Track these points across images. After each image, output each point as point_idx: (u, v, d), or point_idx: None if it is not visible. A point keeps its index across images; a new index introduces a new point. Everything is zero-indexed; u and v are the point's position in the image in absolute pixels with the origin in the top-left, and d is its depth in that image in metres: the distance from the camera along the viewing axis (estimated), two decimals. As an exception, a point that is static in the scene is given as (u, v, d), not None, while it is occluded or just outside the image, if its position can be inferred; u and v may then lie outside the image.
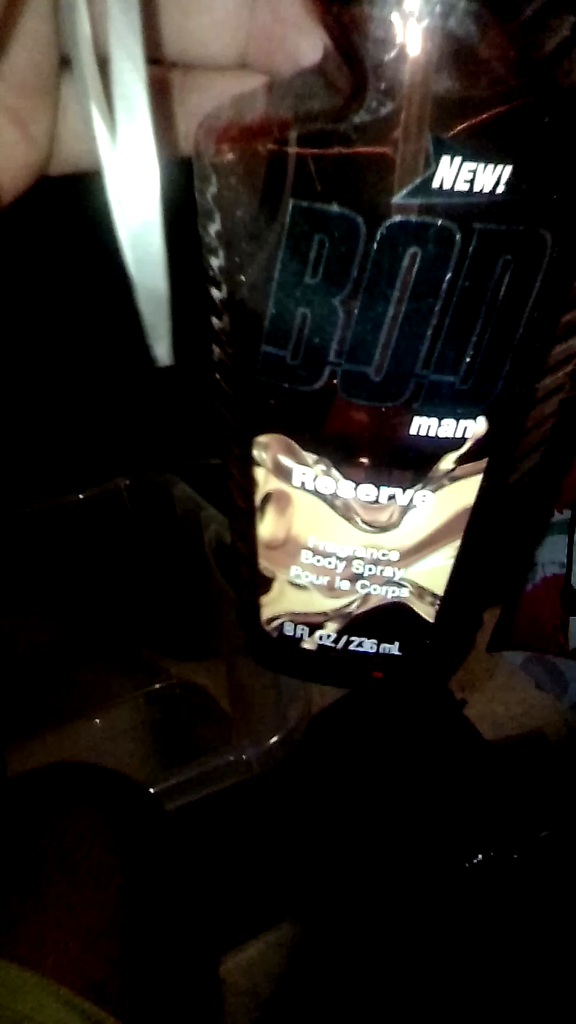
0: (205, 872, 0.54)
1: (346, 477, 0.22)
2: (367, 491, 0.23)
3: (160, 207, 0.18)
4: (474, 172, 0.18)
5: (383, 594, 0.25)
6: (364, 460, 0.22)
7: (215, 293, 0.22)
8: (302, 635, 0.26)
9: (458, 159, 0.18)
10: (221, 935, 0.62)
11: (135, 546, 0.73)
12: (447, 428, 0.21)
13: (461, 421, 0.21)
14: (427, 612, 0.25)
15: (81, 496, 0.69)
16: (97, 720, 0.77)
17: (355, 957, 0.60)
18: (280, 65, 0.20)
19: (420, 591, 0.25)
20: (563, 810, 0.59)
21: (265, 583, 0.26)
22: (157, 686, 0.78)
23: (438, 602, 0.25)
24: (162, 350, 0.19)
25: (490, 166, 0.18)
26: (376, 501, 0.23)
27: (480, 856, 0.57)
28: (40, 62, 0.19)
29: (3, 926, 0.37)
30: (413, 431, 0.21)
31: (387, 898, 0.59)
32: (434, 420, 0.21)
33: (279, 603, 0.26)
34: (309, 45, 0.19)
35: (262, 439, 0.23)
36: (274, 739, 0.47)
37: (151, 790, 0.47)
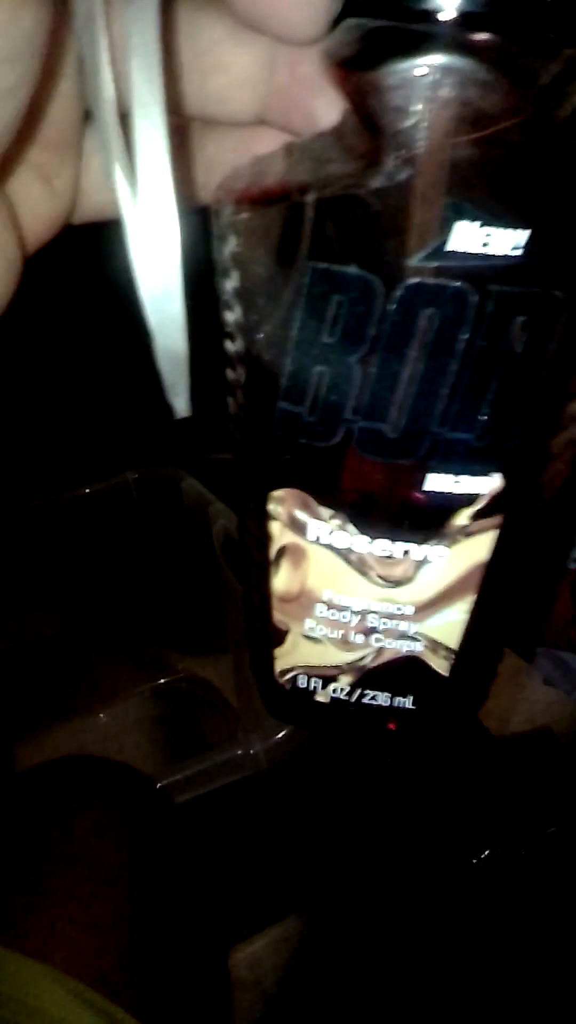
0: (212, 866, 0.54)
1: (361, 532, 0.22)
2: (382, 546, 0.23)
3: (181, 269, 0.18)
4: (490, 236, 0.18)
5: (397, 648, 0.24)
6: (379, 515, 0.22)
7: (231, 347, 0.22)
8: (316, 688, 0.26)
9: (474, 223, 0.18)
10: (228, 929, 0.62)
11: (143, 540, 0.73)
12: (462, 485, 0.21)
13: (476, 478, 0.21)
14: (441, 666, 0.25)
15: (89, 490, 0.69)
16: (103, 714, 0.76)
17: (361, 952, 0.59)
18: (298, 125, 0.20)
19: (434, 645, 0.24)
20: (570, 806, 0.58)
21: (279, 636, 0.26)
22: (164, 680, 0.78)
23: (453, 656, 0.25)
24: (180, 404, 0.19)
25: (506, 230, 0.18)
26: (391, 556, 0.23)
27: (487, 852, 0.57)
28: (64, 119, 0.20)
29: (13, 920, 0.37)
30: (428, 487, 0.21)
31: (394, 894, 0.58)
32: (449, 477, 0.21)
33: (293, 656, 0.26)
34: (326, 107, 0.19)
35: (278, 493, 0.23)
36: (281, 734, 0.47)
37: (158, 784, 0.47)
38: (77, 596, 0.74)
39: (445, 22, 0.17)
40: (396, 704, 0.26)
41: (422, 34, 0.17)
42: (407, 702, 0.26)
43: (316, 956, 0.61)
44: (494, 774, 0.61)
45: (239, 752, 0.47)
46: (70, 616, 0.75)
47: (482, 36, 0.17)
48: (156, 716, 0.76)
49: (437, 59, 0.17)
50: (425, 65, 0.17)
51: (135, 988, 0.37)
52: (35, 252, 0.22)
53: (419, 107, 0.17)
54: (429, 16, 0.17)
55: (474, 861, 0.56)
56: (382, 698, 0.26)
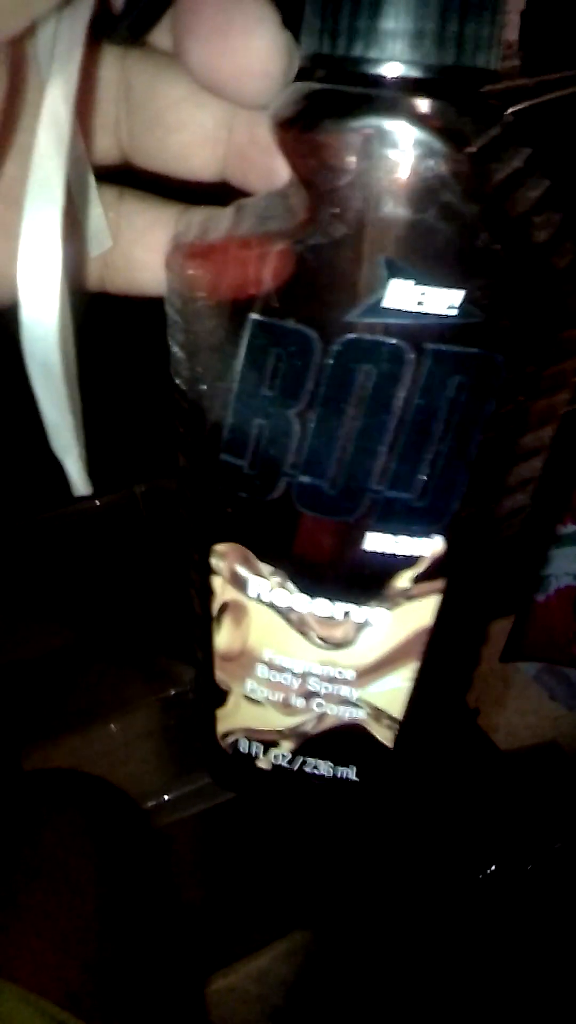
0: (217, 880, 0.54)
1: (301, 590, 0.22)
2: (322, 606, 0.22)
3: (58, 319, 0.18)
4: (424, 295, 0.18)
5: (339, 714, 0.24)
6: (319, 574, 0.22)
7: (181, 402, 0.22)
8: (257, 753, 0.25)
9: (409, 282, 0.18)
10: (232, 943, 0.61)
11: (150, 552, 0.73)
12: (403, 546, 0.21)
13: (417, 539, 0.21)
14: (385, 736, 0.24)
15: (97, 502, 0.69)
16: (113, 725, 0.76)
17: (366, 967, 0.58)
18: (255, 183, 0.20)
19: (377, 713, 0.24)
20: (576, 821, 0.56)
21: (221, 695, 0.25)
22: (173, 692, 0.78)
23: (396, 726, 0.24)
24: (76, 477, 0.20)
25: (441, 289, 0.18)
26: (331, 617, 0.22)
27: (493, 867, 0.55)
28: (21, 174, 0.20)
29: None
30: (368, 547, 0.21)
31: (399, 908, 0.56)
32: (389, 537, 0.21)
33: (234, 717, 0.25)
34: (280, 169, 0.20)
35: (220, 548, 0.22)
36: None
37: (167, 796, 0.46)
38: (85, 608, 0.75)
39: (382, 85, 0.17)
40: (339, 775, 0.25)
41: (359, 96, 0.17)
42: (350, 772, 0.25)
43: (320, 971, 0.61)
44: (500, 789, 0.61)
45: None
46: (79, 628, 0.76)
47: (418, 100, 0.17)
48: (165, 727, 0.76)
49: (372, 120, 0.17)
50: (360, 126, 0.17)
51: (102, 1003, 0.36)
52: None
53: (354, 167, 0.17)
54: (368, 79, 0.17)
55: (480, 876, 0.55)
56: (324, 767, 0.25)
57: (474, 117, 0.17)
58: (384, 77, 0.17)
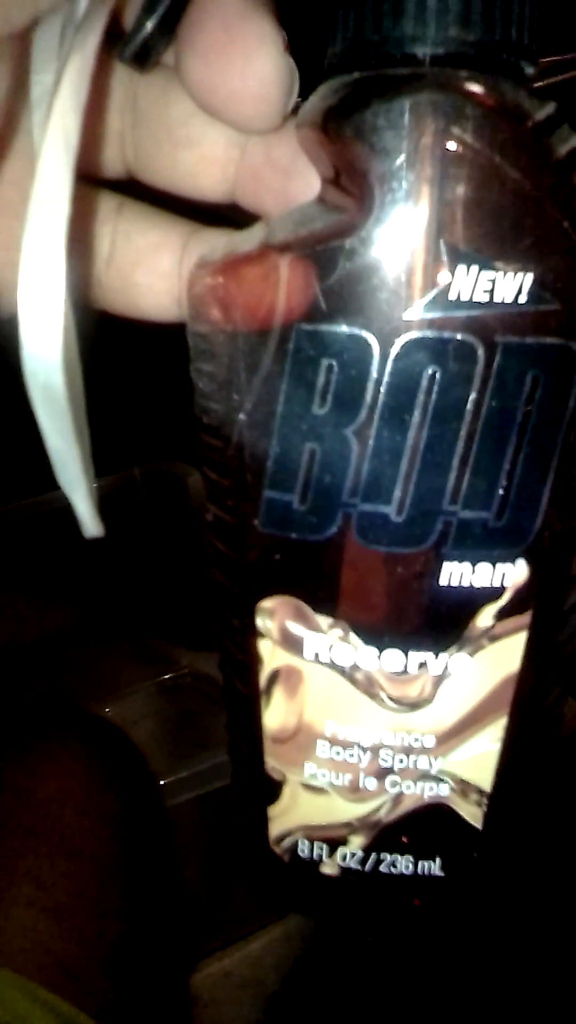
0: (211, 864, 0.53)
1: (368, 643, 0.19)
2: (393, 659, 0.19)
3: (62, 340, 0.16)
4: (494, 281, 0.16)
5: (419, 793, 0.20)
6: (388, 621, 0.19)
7: (210, 441, 0.20)
8: (320, 856, 0.21)
9: (475, 268, 0.16)
10: (229, 926, 0.61)
11: (148, 535, 0.74)
12: (482, 575, 0.18)
13: (498, 566, 0.18)
14: (473, 815, 0.20)
15: (96, 485, 0.68)
16: (108, 709, 0.74)
17: (361, 950, 0.55)
18: (269, 206, 0.19)
19: (463, 787, 0.20)
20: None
21: (273, 789, 0.21)
22: (169, 676, 0.78)
23: (486, 801, 0.20)
24: (85, 516, 0.17)
25: (510, 274, 0.16)
26: (404, 671, 0.19)
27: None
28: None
29: None
30: (443, 580, 0.18)
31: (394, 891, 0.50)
32: (467, 566, 0.18)
33: (291, 814, 0.21)
34: (299, 189, 0.19)
35: (267, 604, 0.20)
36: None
37: (161, 782, 0.45)
38: (83, 590, 0.74)
39: (433, 64, 0.16)
40: (421, 870, 0.21)
41: (411, 75, 0.16)
42: (434, 866, 0.21)
43: (316, 954, 0.60)
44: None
45: None
46: (76, 610, 0.76)
47: (472, 77, 0.16)
48: (160, 711, 0.76)
49: (426, 98, 0.16)
50: (414, 104, 0.16)
51: (99, 978, 0.34)
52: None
53: (409, 149, 0.16)
54: (417, 60, 0.16)
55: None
56: (403, 863, 0.21)
57: (528, 93, 0.17)
58: (435, 55, 0.16)
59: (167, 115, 0.19)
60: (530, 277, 0.16)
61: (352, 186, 0.17)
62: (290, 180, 0.19)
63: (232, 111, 0.17)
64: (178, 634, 0.79)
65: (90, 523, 0.18)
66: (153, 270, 0.20)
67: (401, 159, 0.16)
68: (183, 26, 0.17)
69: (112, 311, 0.21)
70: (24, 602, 0.73)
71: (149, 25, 0.17)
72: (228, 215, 0.21)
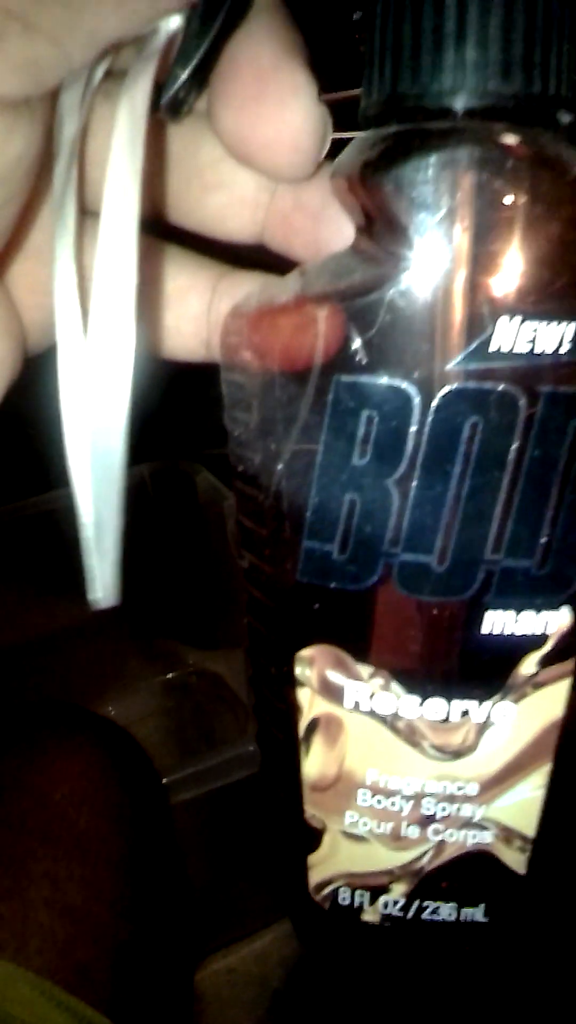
0: (216, 862, 0.54)
1: (409, 692, 0.19)
2: (435, 707, 0.19)
3: (127, 426, 0.16)
4: (535, 332, 0.16)
5: (462, 840, 0.20)
6: (430, 669, 0.19)
7: (247, 490, 0.20)
8: (362, 904, 0.21)
9: (517, 319, 0.16)
10: (234, 924, 0.61)
11: (157, 534, 0.73)
12: (526, 623, 0.18)
13: (542, 614, 0.18)
14: (516, 861, 0.20)
15: None
16: (112, 707, 0.75)
17: (385, 971, 0.52)
18: (299, 251, 0.19)
19: (507, 833, 0.20)
20: None
21: (313, 837, 0.21)
22: (174, 674, 0.78)
23: (529, 847, 0.20)
24: (108, 587, 0.17)
25: (552, 323, 0.16)
26: (447, 719, 0.19)
27: None
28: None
29: None
30: (486, 629, 0.18)
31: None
32: (510, 614, 0.18)
33: (332, 862, 0.21)
34: (330, 236, 0.19)
35: (306, 653, 0.19)
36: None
37: (164, 780, 0.45)
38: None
39: (472, 118, 0.16)
40: (464, 917, 0.21)
41: (450, 130, 0.16)
42: (477, 913, 0.21)
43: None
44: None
45: (249, 748, 0.46)
46: (82, 607, 0.73)
47: (511, 130, 0.16)
48: (165, 710, 0.76)
49: (461, 152, 0.16)
50: (450, 158, 0.16)
51: (115, 980, 0.34)
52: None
53: (447, 200, 0.16)
54: (455, 114, 0.16)
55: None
56: (446, 910, 0.21)
57: (567, 144, 0.16)
58: (472, 110, 0.16)
59: (197, 158, 0.19)
60: (573, 327, 0.16)
61: (390, 238, 0.17)
62: (320, 225, 0.19)
63: (265, 160, 0.17)
64: (184, 633, 0.79)
65: (110, 593, 0.17)
66: (182, 313, 0.20)
67: (440, 213, 0.16)
68: (216, 76, 0.17)
69: (144, 346, 0.21)
70: (30, 599, 0.73)
71: (183, 76, 0.17)
72: (256, 256, 0.21)
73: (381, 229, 0.17)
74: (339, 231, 0.19)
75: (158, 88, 0.18)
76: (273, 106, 0.16)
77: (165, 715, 0.76)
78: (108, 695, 0.76)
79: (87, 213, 0.17)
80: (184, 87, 0.17)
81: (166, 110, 0.18)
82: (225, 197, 0.19)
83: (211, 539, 0.69)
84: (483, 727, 0.19)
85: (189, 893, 0.49)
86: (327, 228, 0.19)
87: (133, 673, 0.78)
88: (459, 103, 0.16)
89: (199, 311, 0.20)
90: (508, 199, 0.16)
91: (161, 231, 0.21)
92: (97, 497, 0.16)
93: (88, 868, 0.36)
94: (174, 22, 0.16)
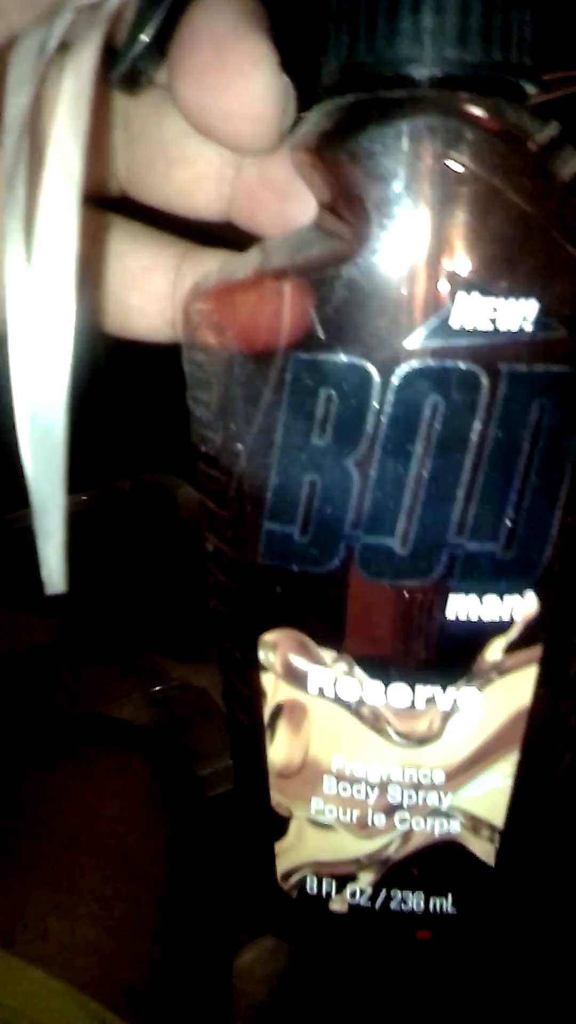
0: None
1: (373, 677, 0.19)
2: (400, 693, 0.18)
3: (67, 383, 0.16)
4: (496, 309, 0.16)
5: (429, 830, 0.20)
6: (394, 654, 0.18)
7: (209, 471, 0.19)
8: (329, 892, 0.21)
9: (477, 295, 0.16)
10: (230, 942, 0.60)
11: (138, 548, 0.74)
12: (490, 608, 0.18)
13: (507, 598, 0.18)
14: (485, 851, 0.20)
15: (85, 497, 0.70)
16: None
17: (352, 961, 0.52)
18: (265, 226, 0.19)
19: (474, 823, 0.20)
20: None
21: (279, 825, 0.21)
22: (158, 688, 0.77)
23: (498, 837, 0.20)
24: (55, 570, 0.17)
25: (514, 301, 0.16)
26: (412, 706, 0.19)
27: None
28: None
29: (34, 920, 0.33)
30: (450, 614, 0.18)
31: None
32: (474, 598, 0.18)
33: (298, 850, 0.21)
34: (295, 211, 0.18)
35: (269, 637, 0.19)
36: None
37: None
38: (72, 603, 0.72)
39: (431, 87, 0.16)
40: (432, 907, 0.20)
41: (408, 99, 0.16)
42: (446, 903, 0.20)
43: (307, 966, 0.59)
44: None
45: (231, 762, 0.43)
46: (65, 623, 0.76)
47: (471, 99, 0.15)
48: (150, 723, 0.74)
49: (424, 122, 0.15)
50: (412, 128, 0.15)
51: (158, 1000, 0.34)
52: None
53: (407, 174, 0.15)
54: (414, 83, 0.16)
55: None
56: (414, 900, 0.20)
57: (530, 115, 0.16)
58: (431, 78, 0.16)
59: (160, 133, 0.18)
60: (535, 304, 0.16)
61: (348, 212, 0.16)
62: (286, 201, 0.18)
63: (227, 132, 0.17)
64: (167, 646, 0.79)
65: (58, 578, 0.17)
66: (147, 292, 0.20)
67: (399, 184, 0.16)
68: (174, 47, 0.17)
69: (110, 333, 0.20)
70: (12, 615, 0.72)
71: (136, 48, 0.17)
72: (224, 234, 0.20)
73: (339, 202, 0.17)
74: (304, 206, 0.18)
75: (113, 59, 0.17)
76: (233, 76, 0.16)
77: (150, 729, 0.76)
78: (93, 709, 0.75)
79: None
80: (138, 58, 0.17)
81: (120, 82, 0.17)
82: (190, 173, 0.19)
83: (193, 552, 0.69)
84: (448, 714, 0.19)
85: (227, 917, 0.49)
86: (293, 203, 0.18)
87: (117, 688, 0.78)
88: (417, 71, 0.16)
89: (164, 290, 0.20)
90: (467, 170, 0.15)
91: (126, 209, 0.20)
92: (38, 478, 0.16)
93: (136, 887, 0.36)
94: None
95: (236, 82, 0.16)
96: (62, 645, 0.76)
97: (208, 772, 0.47)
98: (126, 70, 0.17)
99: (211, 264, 0.19)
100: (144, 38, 0.17)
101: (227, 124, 0.17)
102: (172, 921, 0.37)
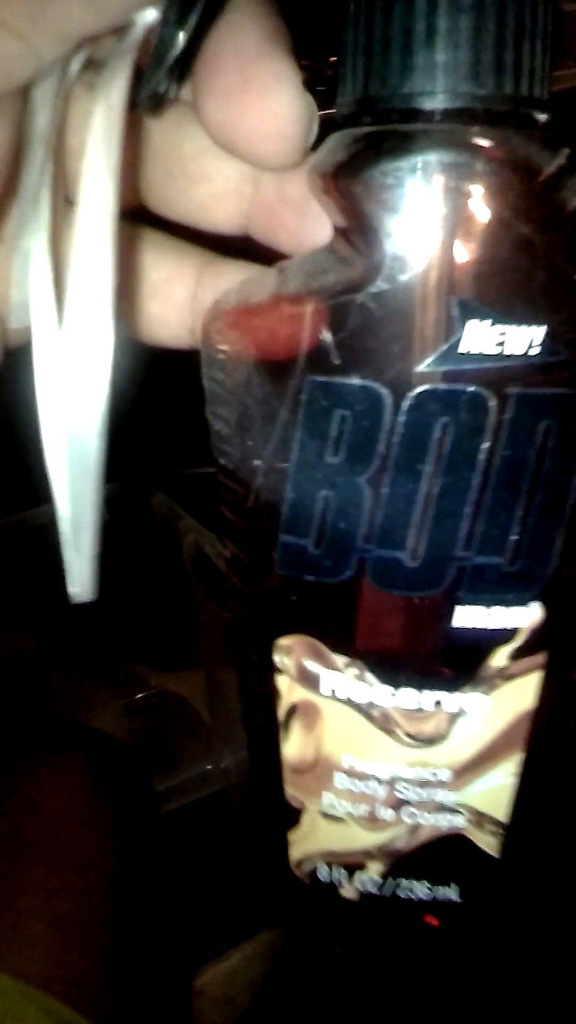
0: (184, 882, 0.54)
1: (383, 681, 0.19)
2: (408, 696, 0.19)
3: (105, 423, 0.16)
4: (504, 334, 0.16)
5: (436, 824, 0.21)
6: (403, 660, 0.19)
7: (227, 483, 0.20)
8: (340, 880, 0.22)
9: (486, 322, 0.16)
10: (200, 945, 0.61)
11: (114, 556, 0.72)
12: (496, 618, 0.19)
13: (512, 609, 0.19)
14: (490, 845, 0.21)
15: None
16: None
17: (335, 967, 0.54)
18: (283, 243, 0.19)
19: (479, 818, 0.21)
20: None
21: (292, 816, 0.22)
22: (137, 696, 0.78)
23: (502, 831, 0.21)
24: (79, 586, 0.17)
25: (521, 327, 0.16)
26: (420, 708, 0.19)
27: None
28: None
29: None
30: (458, 623, 0.19)
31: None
32: (481, 609, 0.19)
33: (311, 840, 0.22)
34: (313, 229, 0.19)
35: (284, 642, 0.20)
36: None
37: None
38: (49, 611, 0.71)
39: (442, 120, 0.16)
40: (439, 896, 0.21)
41: (420, 132, 0.16)
42: (451, 893, 0.21)
43: (289, 971, 0.59)
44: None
45: (211, 767, 0.48)
46: (42, 632, 0.76)
47: (481, 132, 0.16)
48: (129, 731, 0.75)
49: (435, 155, 0.16)
50: (423, 161, 0.16)
51: (107, 990, 0.34)
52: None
53: (418, 206, 0.16)
54: (426, 116, 0.16)
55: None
56: (421, 889, 0.21)
57: (539, 146, 0.16)
58: (443, 111, 0.16)
59: (180, 149, 0.19)
60: (542, 330, 0.16)
61: (361, 240, 0.17)
62: (304, 218, 0.19)
63: (252, 149, 0.17)
64: (146, 654, 0.79)
65: (87, 588, 0.18)
66: (167, 302, 0.20)
67: (411, 215, 0.16)
68: (199, 66, 0.17)
69: (122, 337, 0.21)
70: None
71: (161, 71, 0.17)
72: (243, 243, 0.21)
73: (354, 229, 0.17)
74: (323, 224, 0.19)
75: (139, 81, 0.18)
76: (257, 95, 0.16)
77: (129, 736, 0.75)
78: (72, 718, 0.74)
79: (69, 204, 0.18)
80: (162, 81, 0.17)
81: (145, 104, 0.18)
82: (209, 188, 0.19)
83: (169, 560, 0.69)
84: (455, 717, 0.19)
85: (180, 902, 0.50)
86: (311, 221, 0.19)
87: (96, 695, 0.78)
88: (430, 105, 0.16)
89: (184, 299, 0.20)
90: (478, 201, 0.16)
91: (146, 218, 0.21)
92: (74, 493, 0.17)
93: (78, 878, 0.36)
94: (150, 14, 0.16)
95: (261, 101, 0.16)
96: (40, 654, 0.76)
97: (187, 777, 0.48)
98: (150, 94, 0.18)
99: (230, 274, 0.20)
100: (166, 63, 0.17)
101: (252, 141, 0.17)
102: (122, 910, 0.37)
